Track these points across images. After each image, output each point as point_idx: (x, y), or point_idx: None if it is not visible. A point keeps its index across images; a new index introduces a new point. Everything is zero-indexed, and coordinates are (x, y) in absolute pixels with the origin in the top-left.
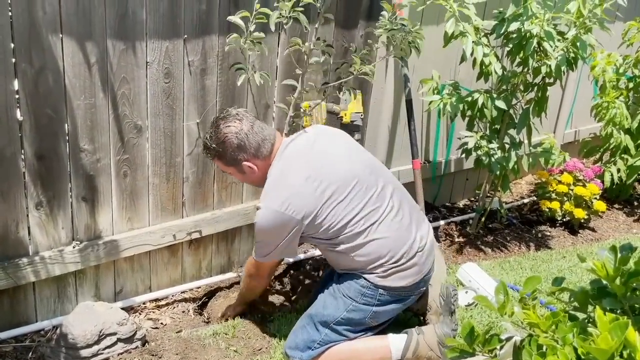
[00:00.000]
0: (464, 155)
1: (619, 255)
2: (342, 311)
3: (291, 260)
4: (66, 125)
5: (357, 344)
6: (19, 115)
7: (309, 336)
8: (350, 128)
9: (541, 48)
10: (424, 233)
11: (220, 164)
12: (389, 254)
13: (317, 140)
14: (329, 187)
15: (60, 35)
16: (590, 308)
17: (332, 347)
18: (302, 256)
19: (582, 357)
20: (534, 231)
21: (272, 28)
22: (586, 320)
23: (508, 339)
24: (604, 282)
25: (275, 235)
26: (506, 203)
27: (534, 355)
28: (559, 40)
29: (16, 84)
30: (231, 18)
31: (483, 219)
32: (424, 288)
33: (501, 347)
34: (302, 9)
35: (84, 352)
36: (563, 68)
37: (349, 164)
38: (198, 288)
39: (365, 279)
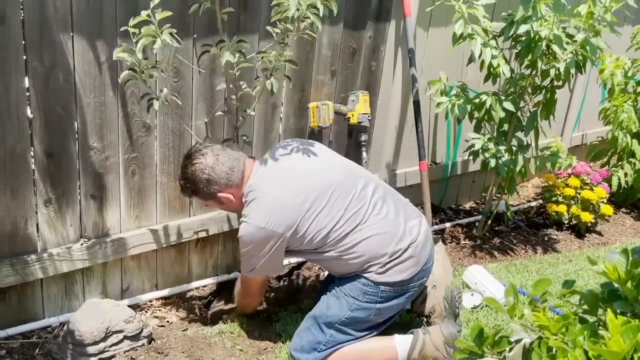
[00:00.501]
0: (470, 157)
1: (630, 258)
2: (346, 311)
3: (294, 260)
4: (76, 123)
5: (363, 345)
6: (29, 112)
7: (314, 337)
8: (358, 129)
9: (550, 51)
10: (415, 224)
11: (199, 199)
12: (380, 251)
13: (289, 157)
14: (308, 198)
15: (71, 34)
16: (600, 311)
17: (339, 350)
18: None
19: (593, 359)
20: (540, 234)
21: (140, 55)
22: (596, 323)
23: (517, 341)
24: (615, 285)
25: (258, 250)
26: (513, 206)
27: (544, 357)
28: (567, 43)
29: (27, 82)
30: (116, 57)
31: (489, 221)
32: (425, 278)
33: (510, 350)
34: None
35: (91, 349)
36: (572, 71)
37: (324, 173)
38: (204, 287)
39: (365, 277)
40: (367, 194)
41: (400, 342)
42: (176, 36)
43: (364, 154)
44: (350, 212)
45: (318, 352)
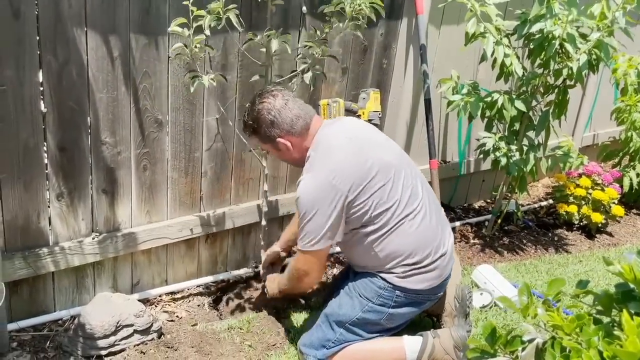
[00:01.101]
0: (481, 156)
1: None
2: (357, 311)
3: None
4: (88, 118)
5: (372, 345)
6: (42, 107)
7: (323, 335)
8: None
9: (563, 50)
10: (447, 236)
11: (257, 141)
12: (412, 253)
13: (357, 126)
14: (374, 166)
15: (85, 29)
16: (614, 312)
17: (347, 347)
18: None
19: None
20: (550, 234)
21: (207, 32)
22: (611, 324)
23: (530, 341)
24: (631, 285)
25: (320, 210)
26: (522, 205)
27: (557, 357)
28: (581, 42)
29: (41, 76)
30: (170, 29)
31: (499, 220)
32: (441, 294)
33: (523, 349)
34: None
35: (101, 343)
36: (585, 71)
37: (390, 152)
38: (213, 282)
39: (383, 279)
40: (419, 192)
41: (409, 343)
42: (241, 19)
43: None
44: (404, 202)
45: (327, 349)
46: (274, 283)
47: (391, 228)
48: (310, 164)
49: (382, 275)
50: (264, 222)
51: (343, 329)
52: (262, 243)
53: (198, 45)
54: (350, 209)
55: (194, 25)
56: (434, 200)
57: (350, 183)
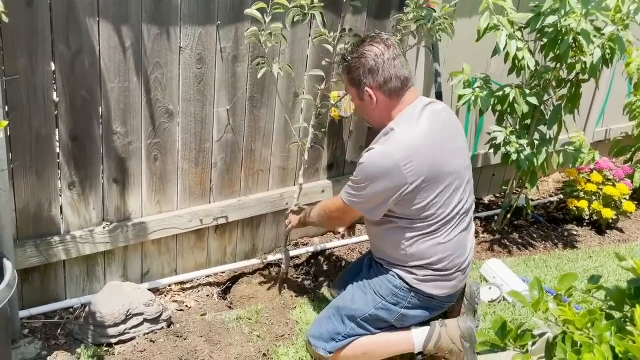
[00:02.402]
0: (491, 150)
1: None
2: (370, 308)
3: (311, 249)
4: (100, 107)
5: (381, 337)
6: (54, 96)
7: (334, 328)
8: None
9: (577, 44)
10: (471, 247)
11: (346, 80)
12: (439, 260)
13: (447, 120)
14: (446, 169)
15: (97, 19)
16: (626, 307)
17: (357, 340)
18: (327, 245)
19: (620, 355)
20: (560, 229)
21: (288, 27)
22: (622, 319)
23: (540, 335)
24: None
25: (373, 184)
26: (532, 200)
27: (568, 352)
28: (595, 36)
29: (53, 65)
30: (248, 11)
31: (509, 215)
32: (453, 302)
33: (533, 344)
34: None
35: (111, 331)
36: (599, 66)
37: (463, 159)
38: (222, 273)
39: (400, 277)
40: (469, 203)
41: (417, 334)
42: (322, 14)
43: None
44: (457, 210)
45: (335, 342)
46: (299, 215)
47: (432, 231)
48: (389, 137)
49: (400, 273)
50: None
51: (354, 323)
52: (287, 234)
53: (274, 34)
54: (404, 199)
55: (272, 12)
56: (472, 211)
57: (419, 177)
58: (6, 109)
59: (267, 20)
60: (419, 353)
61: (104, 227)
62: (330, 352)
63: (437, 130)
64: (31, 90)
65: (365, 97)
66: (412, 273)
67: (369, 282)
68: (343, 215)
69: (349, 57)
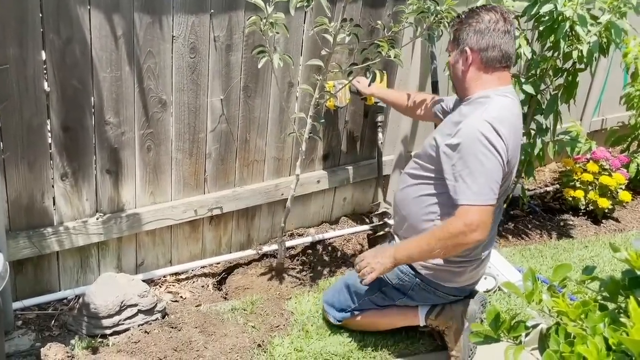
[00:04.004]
0: None
1: None
2: (375, 290)
3: (308, 240)
4: (92, 97)
5: (388, 310)
6: (46, 86)
7: (345, 300)
8: (374, 109)
9: (573, 32)
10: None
11: (453, 36)
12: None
13: (519, 114)
14: (513, 162)
15: (88, 7)
16: (620, 298)
17: (365, 311)
18: (324, 236)
19: (613, 347)
20: (556, 219)
21: (292, 12)
22: (616, 311)
23: (533, 326)
24: (638, 272)
25: (491, 154)
26: (529, 190)
27: (561, 343)
28: (591, 24)
29: (44, 55)
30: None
31: (505, 205)
32: (461, 296)
33: (527, 335)
34: None
35: (106, 322)
36: (595, 54)
37: (518, 153)
38: (217, 264)
39: (411, 266)
40: (501, 200)
41: (423, 308)
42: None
43: (380, 134)
44: (499, 204)
45: (345, 312)
46: (385, 253)
47: None
48: (490, 108)
49: (412, 264)
50: (288, 204)
51: (362, 300)
52: (283, 225)
53: (276, 23)
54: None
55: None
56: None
57: (510, 149)
58: None
59: (270, 9)
60: (424, 326)
61: (97, 219)
62: (339, 321)
63: (518, 111)
64: (22, 80)
65: (462, 58)
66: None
67: None
68: (483, 220)
69: (466, 14)
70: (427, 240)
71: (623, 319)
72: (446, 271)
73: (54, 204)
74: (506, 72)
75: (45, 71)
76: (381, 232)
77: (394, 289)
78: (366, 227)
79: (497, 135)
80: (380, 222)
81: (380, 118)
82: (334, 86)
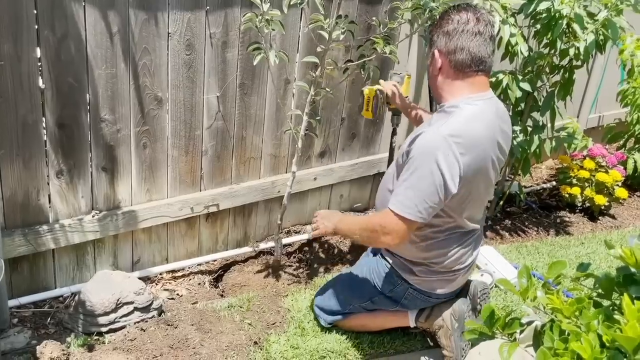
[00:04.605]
0: None
1: None
2: (366, 299)
3: (306, 237)
4: (87, 94)
5: (378, 312)
6: (41, 83)
7: (335, 304)
8: (394, 112)
9: (570, 29)
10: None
11: (430, 37)
12: (453, 263)
13: (504, 117)
14: (491, 168)
15: (83, 4)
16: (614, 295)
17: (356, 314)
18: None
19: (607, 344)
20: (552, 216)
21: (285, 10)
22: (611, 308)
23: (528, 323)
24: (632, 269)
25: (427, 174)
26: (525, 187)
27: (556, 340)
28: (588, 22)
29: (38, 52)
30: None
31: (501, 202)
32: (452, 298)
33: (521, 332)
34: None
35: (102, 320)
36: (592, 51)
37: (498, 166)
38: (214, 261)
39: (402, 278)
40: (484, 208)
41: (413, 311)
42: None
43: (395, 137)
44: (477, 213)
45: (335, 316)
46: (333, 218)
47: (462, 230)
48: (448, 119)
49: (403, 275)
50: (285, 202)
51: (352, 306)
52: (280, 222)
53: (272, 20)
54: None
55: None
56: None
57: (470, 165)
58: None
59: (266, 6)
60: (414, 327)
61: (93, 216)
62: (329, 324)
63: (496, 120)
64: (17, 77)
65: (433, 60)
66: (416, 275)
67: (371, 272)
68: (397, 233)
69: (440, 15)
70: (359, 224)
71: (617, 316)
72: (439, 280)
73: (49, 202)
74: (480, 78)
75: (40, 68)
76: None
77: (387, 298)
78: None
79: (448, 154)
80: None
81: (397, 121)
82: (375, 95)
